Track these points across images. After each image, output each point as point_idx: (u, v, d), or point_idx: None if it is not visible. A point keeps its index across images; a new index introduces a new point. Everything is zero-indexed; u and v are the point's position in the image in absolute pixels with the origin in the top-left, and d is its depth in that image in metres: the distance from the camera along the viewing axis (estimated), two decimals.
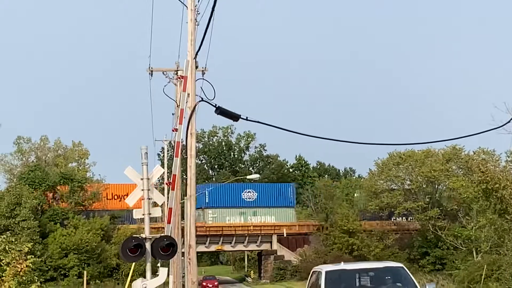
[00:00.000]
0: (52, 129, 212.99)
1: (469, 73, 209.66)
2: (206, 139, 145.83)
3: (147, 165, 16.45)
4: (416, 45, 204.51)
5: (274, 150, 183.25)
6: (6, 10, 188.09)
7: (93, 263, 78.54)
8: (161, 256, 16.01)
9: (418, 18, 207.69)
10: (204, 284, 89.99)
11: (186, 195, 21.42)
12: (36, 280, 33.29)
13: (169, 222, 18.13)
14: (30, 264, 30.88)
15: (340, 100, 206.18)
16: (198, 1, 21.84)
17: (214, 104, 17.02)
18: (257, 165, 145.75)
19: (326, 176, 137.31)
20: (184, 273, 35.66)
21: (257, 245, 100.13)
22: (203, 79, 21.23)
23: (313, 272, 21.24)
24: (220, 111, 16.95)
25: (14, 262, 29.90)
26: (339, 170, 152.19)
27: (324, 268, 20.05)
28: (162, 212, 19.10)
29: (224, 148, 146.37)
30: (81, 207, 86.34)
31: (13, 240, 32.27)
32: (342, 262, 20.70)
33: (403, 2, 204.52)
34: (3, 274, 29.69)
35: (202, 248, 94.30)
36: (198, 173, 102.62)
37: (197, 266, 21.88)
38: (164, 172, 49.96)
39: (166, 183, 51.13)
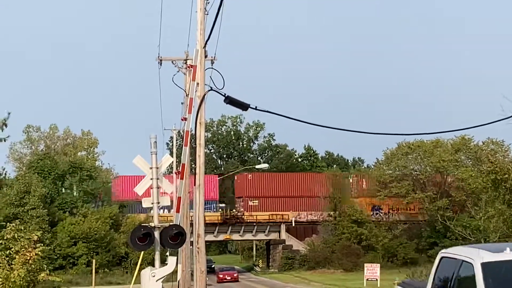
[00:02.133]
0: (61, 118, 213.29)
1: (478, 63, 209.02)
2: (215, 129, 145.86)
3: (156, 154, 16.45)
4: (424, 34, 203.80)
5: (283, 139, 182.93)
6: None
7: (102, 251, 78.79)
8: (170, 245, 16.01)
9: (428, 7, 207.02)
10: (221, 276, 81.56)
11: (195, 184, 21.42)
12: (45, 268, 33.42)
13: (178, 211, 18.14)
14: (39, 253, 31.00)
15: (348, 89, 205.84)
16: None
17: (223, 93, 16.97)
18: (265, 154, 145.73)
19: (335, 166, 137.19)
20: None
21: (265, 235, 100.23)
22: (212, 68, 21.25)
23: (445, 258, 13.14)
24: (229, 100, 16.89)
25: (23, 250, 30.01)
26: (347, 160, 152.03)
27: (478, 258, 11.61)
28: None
29: (233, 138, 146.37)
30: (90, 195, 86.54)
31: (22, 228, 32.38)
32: (508, 248, 11.69)
33: None
34: (13, 262, 29.80)
35: (210, 237, 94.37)
36: (207, 162, 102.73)
37: (205, 255, 21.93)
38: (173, 161, 50.01)
39: (175, 172, 51.32)
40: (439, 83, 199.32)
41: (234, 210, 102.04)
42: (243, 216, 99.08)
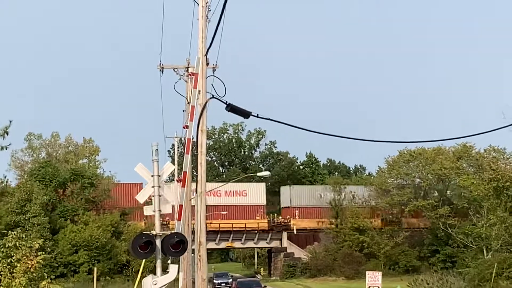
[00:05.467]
0: (63, 126, 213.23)
1: (480, 70, 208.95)
2: (217, 136, 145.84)
3: (157, 162, 16.42)
4: (425, 40, 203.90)
5: (285, 147, 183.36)
6: (21, 5, 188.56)
7: (103, 259, 78.60)
8: (171, 253, 15.98)
9: (430, 11, 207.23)
10: None
11: (196, 192, 21.40)
12: (46, 277, 33.38)
13: (179, 219, 18.11)
14: (41, 261, 30.98)
15: (350, 97, 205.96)
16: None
17: (225, 101, 16.96)
18: (267, 162, 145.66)
19: (337, 173, 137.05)
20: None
21: (267, 242, 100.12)
22: (213, 76, 21.21)
23: None
24: (231, 108, 16.87)
25: (24, 259, 30.00)
26: (349, 168, 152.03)
27: None
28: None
29: (235, 145, 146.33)
30: (92, 203, 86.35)
31: (24, 236, 32.35)
32: None
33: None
34: (14, 270, 29.78)
35: (212, 245, 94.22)
36: (209, 170, 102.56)
37: (207, 263, 21.87)
38: (174, 169, 49.96)
39: (177, 180, 51.28)
40: (440, 90, 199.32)
41: (280, 217, 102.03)
42: (290, 224, 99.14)
